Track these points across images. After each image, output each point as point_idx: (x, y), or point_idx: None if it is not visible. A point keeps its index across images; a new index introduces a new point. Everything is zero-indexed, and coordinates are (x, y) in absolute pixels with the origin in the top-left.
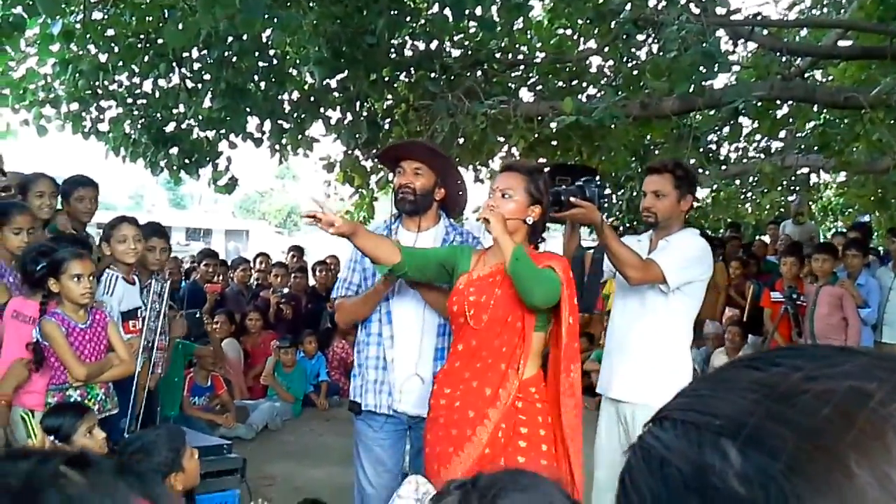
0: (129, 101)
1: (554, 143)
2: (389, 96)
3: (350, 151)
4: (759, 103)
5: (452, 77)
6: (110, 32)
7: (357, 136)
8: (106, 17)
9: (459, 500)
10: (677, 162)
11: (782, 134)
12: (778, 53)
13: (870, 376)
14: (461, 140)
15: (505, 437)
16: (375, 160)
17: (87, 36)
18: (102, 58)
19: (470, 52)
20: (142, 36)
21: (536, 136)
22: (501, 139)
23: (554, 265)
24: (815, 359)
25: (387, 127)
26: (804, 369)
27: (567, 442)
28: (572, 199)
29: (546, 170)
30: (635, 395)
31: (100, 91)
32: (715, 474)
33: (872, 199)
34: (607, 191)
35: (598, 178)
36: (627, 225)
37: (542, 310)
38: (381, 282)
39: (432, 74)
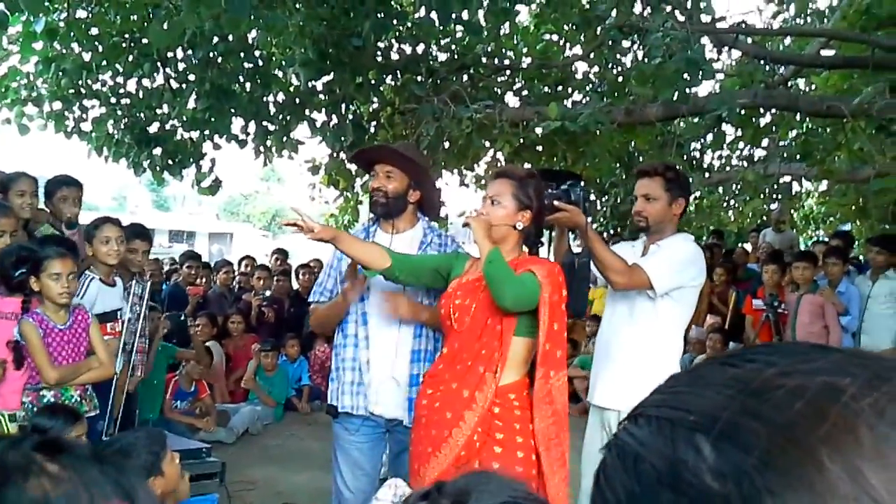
0: (113, 100)
1: (539, 148)
2: (375, 99)
3: (335, 154)
4: (743, 111)
5: (438, 81)
6: (94, 31)
7: (342, 138)
8: (90, 15)
9: None
10: (668, 165)
11: (765, 142)
12: (762, 62)
13: (843, 372)
14: (446, 144)
15: (480, 441)
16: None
17: (71, 34)
18: (86, 57)
19: (456, 57)
20: (126, 35)
21: (522, 141)
22: (487, 144)
23: (536, 269)
24: (789, 355)
25: (372, 130)
26: (778, 365)
27: (541, 451)
28: (556, 202)
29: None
30: (620, 402)
31: (83, 90)
32: (689, 470)
33: (854, 208)
34: (591, 196)
35: (582, 182)
36: (612, 231)
37: (525, 314)
38: (347, 288)
39: (418, 78)
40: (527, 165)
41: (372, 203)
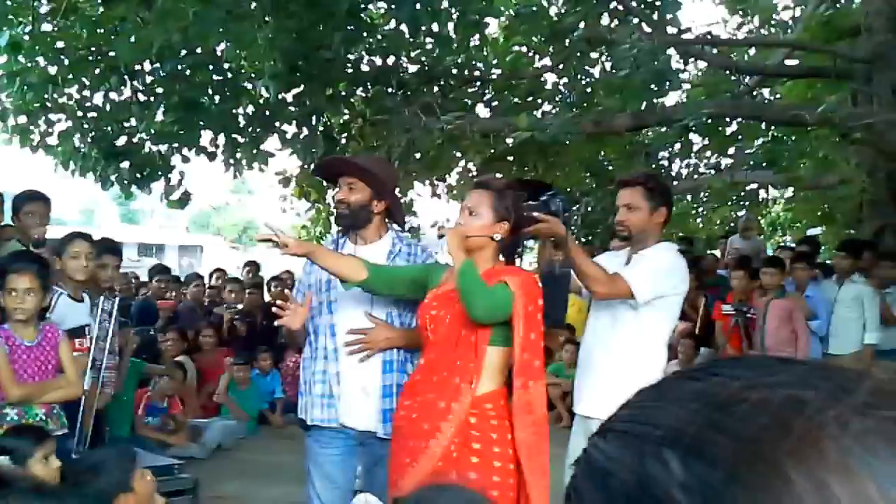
0: (80, 114)
1: (510, 158)
2: (346, 111)
3: (306, 166)
4: (709, 120)
5: (409, 93)
6: (60, 45)
7: (313, 150)
8: (56, 29)
9: None
10: (649, 174)
11: (732, 151)
12: (727, 72)
13: (807, 384)
14: (418, 155)
15: (458, 452)
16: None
17: (36, 48)
18: (52, 70)
19: (426, 68)
20: (93, 48)
21: (492, 151)
22: (458, 154)
23: (509, 280)
24: (753, 368)
25: (343, 142)
26: (742, 379)
27: (522, 461)
28: (535, 213)
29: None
30: (604, 411)
31: (49, 104)
32: (657, 485)
33: (819, 213)
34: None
35: (553, 192)
36: (582, 240)
37: (499, 324)
38: (285, 322)
39: (389, 90)
40: (498, 176)
41: (336, 216)
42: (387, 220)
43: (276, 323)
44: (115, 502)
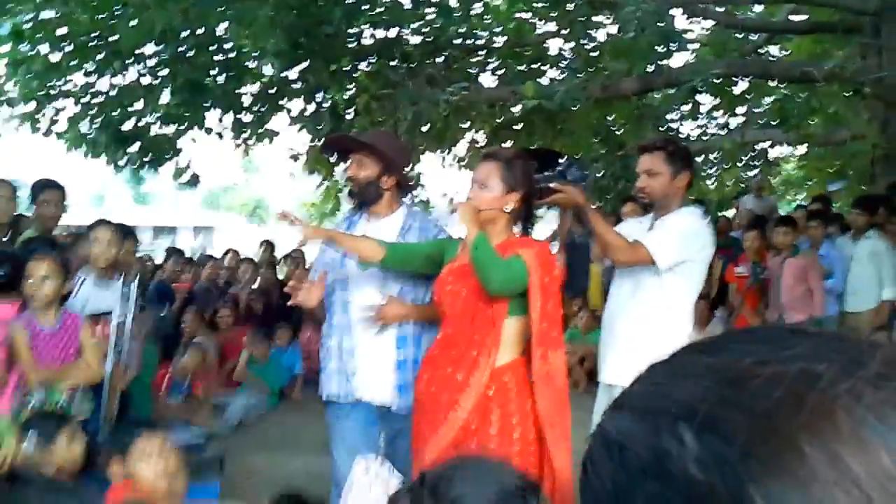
0: (85, 99)
1: (517, 127)
2: (351, 86)
3: (315, 142)
4: (717, 80)
5: (413, 65)
6: (62, 31)
7: (319, 127)
8: (57, 15)
9: (411, 501)
10: (668, 139)
11: (741, 110)
12: (734, 30)
13: (820, 357)
14: (425, 128)
15: (476, 424)
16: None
17: (38, 35)
18: (55, 57)
19: (430, 40)
20: (95, 34)
21: (499, 121)
22: (465, 125)
23: (524, 251)
24: (765, 342)
25: (349, 117)
26: (755, 353)
27: (545, 429)
28: (553, 184)
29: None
30: (627, 379)
31: (53, 91)
32: (672, 460)
33: (831, 171)
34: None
35: (560, 161)
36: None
37: (514, 296)
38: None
39: (393, 63)
40: (506, 145)
41: (348, 192)
42: (400, 195)
43: (289, 303)
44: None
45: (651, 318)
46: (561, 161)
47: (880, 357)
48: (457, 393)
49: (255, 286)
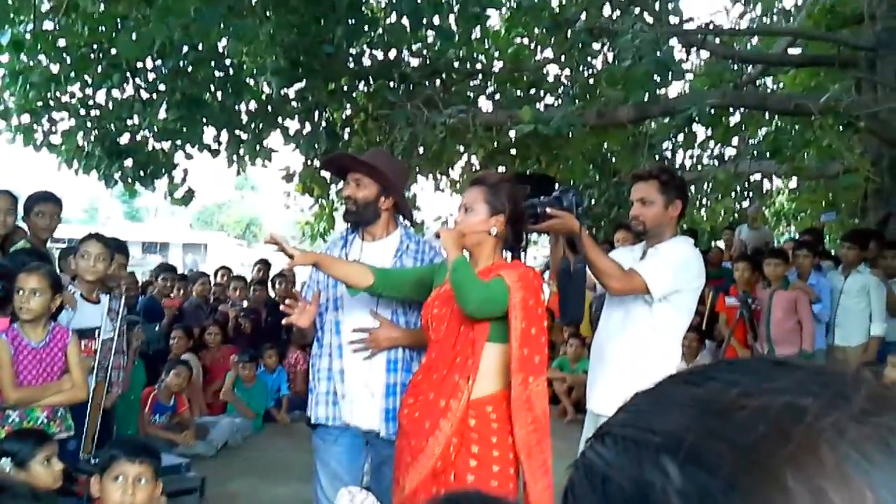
0: (83, 112)
1: (513, 151)
2: (348, 106)
3: (309, 162)
4: (713, 111)
5: (411, 86)
6: (62, 43)
7: (316, 146)
8: (57, 27)
9: None
10: (663, 167)
11: (735, 141)
12: (730, 61)
13: (805, 391)
14: (421, 149)
15: (456, 453)
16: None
17: (38, 47)
18: (54, 68)
19: (428, 62)
20: (94, 46)
21: (496, 144)
22: (461, 148)
23: (505, 274)
24: (751, 374)
25: (346, 137)
26: (740, 385)
27: (521, 460)
28: (549, 209)
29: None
30: (615, 408)
31: (51, 103)
32: (656, 491)
33: (824, 203)
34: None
35: (555, 186)
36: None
37: (498, 320)
38: (293, 320)
39: (391, 84)
40: (501, 169)
41: (344, 212)
42: (396, 217)
43: (283, 321)
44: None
45: (641, 348)
46: (556, 187)
47: (864, 393)
48: (438, 417)
49: (244, 304)
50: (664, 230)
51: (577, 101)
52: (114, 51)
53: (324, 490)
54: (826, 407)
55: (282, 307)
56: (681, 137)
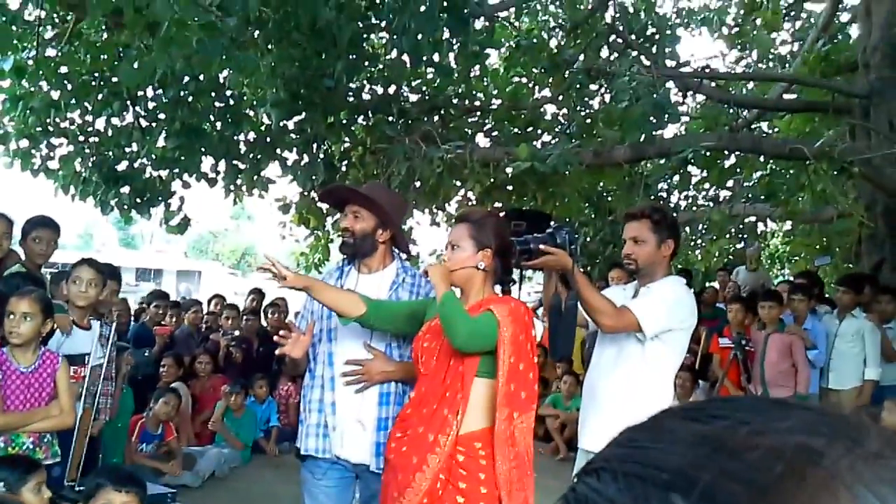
0: (81, 138)
1: (509, 188)
2: (346, 139)
3: (306, 193)
4: (708, 153)
5: (410, 121)
6: (64, 70)
7: (313, 177)
8: (59, 54)
9: None
10: (655, 207)
11: (730, 183)
12: (726, 105)
13: (816, 432)
14: (418, 184)
15: (443, 489)
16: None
17: (40, 73)
18: (55, 95)
19: (427, 98)
20: (96, 74)
21: (492, 181)
22: (458, 183)
23: (496, 308)
24: (757, 412)
25: (343, 169)
26: (750, 423)
27: (500, 496)
28: (542, 246)
29: (501, 215)
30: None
31: (51, 128)
32: None
33: (817, 247)
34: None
35: (551, 223)
36: (581, 270)
37: (487, 355)
38: (286, 350)
39: (390, 118)
40: (497, 205)
41: (341, 243)
42: (393, 249)
43: (277, 352)
44: None
45: (633, 386)
46: (551, 224)
47: (875, 435)
48: (426, 452)
49: (236, 334)
50: (656, 269)
51: (573, 139)
52: (115, 79)
53: None
54: (839, 449)
55: (275, 338)
56: (676, 178)
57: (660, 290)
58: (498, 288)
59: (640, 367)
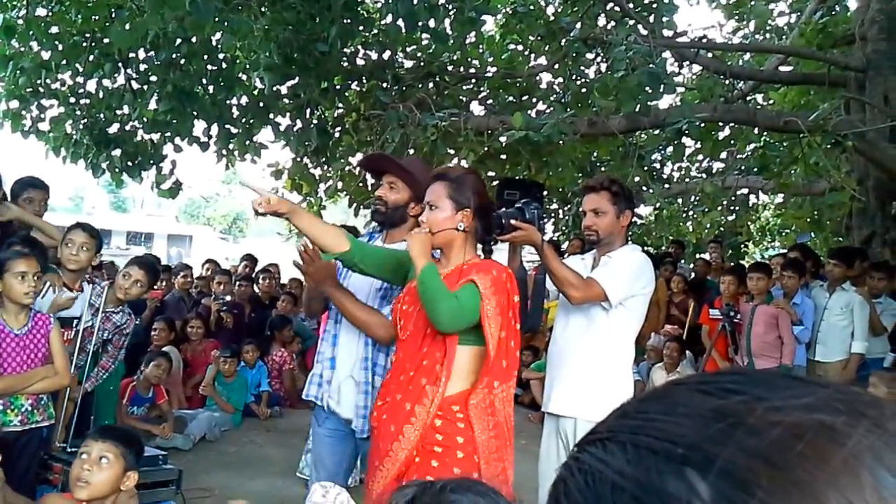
0: (72, 100)
1: (503, 156)
2: (340, 105)
3: (299, 159)
4: (702, 125)
5: (404, 88)
6: (54, 30)
7: (307, 143)
8: (50, 13)
9: (414, 494)
10: (612, 178)
11: (724, 155)
12: (721, 76)
13: (834, 410)
14: (411, 151)
15: (420, 456)
16: (325, 168)
17: (30, 32)
18: (45, 55)
19: (422, 64)
20: (87, 35)
21: (486, 149)
22: (451, 151)
23: (478, 280)
24: (772, 388)
25: (337, 135)
26: (767, 399)
27: (480, 466)
28: (513, 221)
29: (495, 184)
30: (574, 409)
31: (41, 89)
32: None
33: (808, 220)
34: (554, 206)
35: (544, 193)
36: (572, 238)
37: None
38: (305, 269)
39: (384, 84)
40: (490, 173)
41: (372, 211)
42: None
43: (299, 270)
44: None
45: (599, 351)
46: (523, 200)
47: (892, 414)
48: (403, 423)
49: (228, 299)
50: (615, 239)
51: (568, 109)
52: (106, 40)
53: (313, 470)
54: (860, 429)
55: (294, 259)
56: (670, 149)
57: (621, 259)
58: (479, 249)
59: (605, 332)
